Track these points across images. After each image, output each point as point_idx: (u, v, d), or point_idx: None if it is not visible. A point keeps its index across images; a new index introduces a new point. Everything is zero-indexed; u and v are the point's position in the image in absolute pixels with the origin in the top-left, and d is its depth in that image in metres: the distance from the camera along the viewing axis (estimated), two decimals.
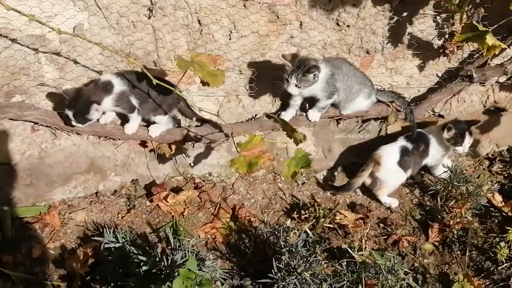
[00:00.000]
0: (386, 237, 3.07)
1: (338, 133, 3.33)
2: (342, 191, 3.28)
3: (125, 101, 2.69)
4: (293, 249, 2.50)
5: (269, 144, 3.20)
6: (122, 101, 2.68)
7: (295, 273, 2.35)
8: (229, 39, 2.77)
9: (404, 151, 3.14)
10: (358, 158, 3.36)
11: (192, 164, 3.19)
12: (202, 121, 3.00)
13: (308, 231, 2.61)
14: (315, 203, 3.13)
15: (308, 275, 2.34)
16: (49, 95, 2.73)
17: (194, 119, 3.00)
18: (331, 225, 3.03)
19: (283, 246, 2.51)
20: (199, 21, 2.67)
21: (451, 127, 3.08)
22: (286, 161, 2.52)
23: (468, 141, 3.11)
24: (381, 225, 3.16)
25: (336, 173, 3.42)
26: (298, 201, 3.23)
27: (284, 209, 3.20)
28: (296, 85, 2.71)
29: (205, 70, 2.33)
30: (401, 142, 3.17)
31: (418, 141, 3.17)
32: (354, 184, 3.18)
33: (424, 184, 3.41)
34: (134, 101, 2.72)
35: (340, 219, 3.04)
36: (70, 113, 2.58)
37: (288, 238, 2.53)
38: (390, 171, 3.14)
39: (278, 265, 2.43)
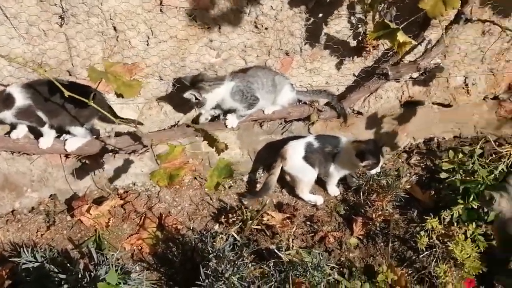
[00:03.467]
0: (313, 234, 3.13)
1: (262, 135, 3.35)
2: (260, 194, 3.28)
3: (30, 115, 2.54)
4: (221, 254, 2.48)
5: (195, 148, 3.17)
6: (25, 115, 2.54)
7: (223, 278, 2.34)
8: (147, 44, 2.71)
9: (309, 147, 3.17)
10: None
11: (114, 175, 3.10)
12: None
13: (235, 235, 2.60)
14: (242, 206, 3.14)
15: (236, 279, 2.34)
16: None
17: (113, 129, 2.91)
18: (259, 227, 3.04)
19: (210, 252, 2.49)
20: (114, 27, 2.59)
21: (368, 159, 3.04)
22: (208, 172, 2.49)
23: (381, 164, 3.16)
24: (308, 222, 3.21)
25: (258, 175, 3.44)
26: (225, 205, 3.21)
27: (212, 214, 3.18)
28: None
29: (120, 80, 2.25)
30: (309, 139, 3.21)
31: (327, 142, 3.21)
32: (269, 183, 3.21)
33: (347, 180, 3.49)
34: (42, 114, 2.58)
35: (268, 220, 3.06)
36: None
37: (215, 243, 2.51)
38: (296, 165, 3.18)
39: (206, 271, 2.40)
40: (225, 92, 2.85)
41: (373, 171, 3.14)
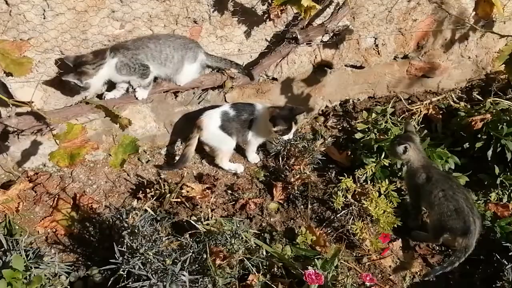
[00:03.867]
0: (234, 202, 3.14)
1: (177, 106, 3.29)
2: (177, 165, 3.25)
3: None
4: (136, 230, 2.44)
5: (108, 124, 3.07)
6: None
7: (138, 254, 2.31)
8: (44, 18, 2.56)
9: (225, 116, 3.16)
10: None
11: (22, 157, 2.96)
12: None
13: (149, 209, 2.56)
14: (160, 180, 3.09)
15: (152, 254, 2.31)
16: None
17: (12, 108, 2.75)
18: (179, 199, 3.02)
19: (124, 228, 2.44)
20: (6, 1, 2.42)
21: (279, 124, 3.08)
22: (112, 149, 2.42)
23: (294, 130, 3.19)
24: (229, 191, 3.21)
25: (176, 147, 3.39)
26: (143, 180, 3.16)
27: (130, 190, 3.12)
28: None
29: (8, 58, 2.12)
30: (225, 107, 3.20)
31: (242, 110, 3.20)
32: (187, 154, 3.18)
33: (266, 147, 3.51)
34: None
35: (188, 191, 3.03)
36: None
37: (129, 219, 2.46)
38: (213, 135, 3.17)
39: (120, 249, 2.36)
40: (109, 70, 2.75)
41: (285, 137, 3.17)
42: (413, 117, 3.61)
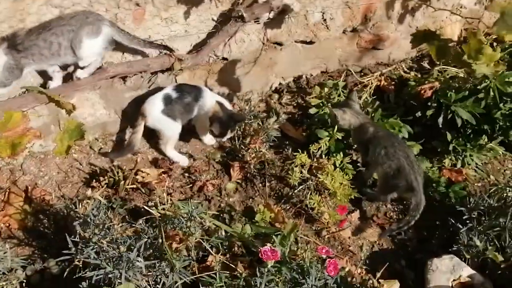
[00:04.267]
0: (191, 185, 3.12)
1: (127, 92, 3.22)
2: (123, 153, 3.18)
3: None
4: (89, 219, 2.40)
5: (57, 114, 3.00)
6: None
7: (91, 243, 2.27)
8: None
9: (167, 100, 3.10)
10: None
11: None
12: None
13: (100, 198, 2.52)
14: (114, 167, 3.05)
15: (106, 242, 2.27)
16: None
17: None
18: (134, 186, 2.98)
19: (76, 218, 2.40)
20: None
21: (215, 128, 3.09)
22: (57, 136, 2.35)
23: (229, 136, 3.20)
24: (186, 174, 3.19)
25: (128, 133, 3.32)
26: (96, 168, 3.11)
27: (84, 179, 3.06)
28: None
29: None
30: (167, 90, 3.14)
31: (187, 93, 3.14)
32: (133, 142, 3.11)
33: None
34: None
35: (143, 177, 3.00)
36: None
37: (79, 209, 2.42)
38: (157, 121, 3.11)
39: (74, 239, 2.32)
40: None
41: (218, 139, 3.18)
42: (364, 89, 3.64)
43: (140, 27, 2.98)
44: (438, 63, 3.59)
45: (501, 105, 3.25)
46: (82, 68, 2.85)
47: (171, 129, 3.15)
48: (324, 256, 2.35)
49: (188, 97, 3.14)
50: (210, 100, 3.16)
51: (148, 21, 2.98)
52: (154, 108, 3.09)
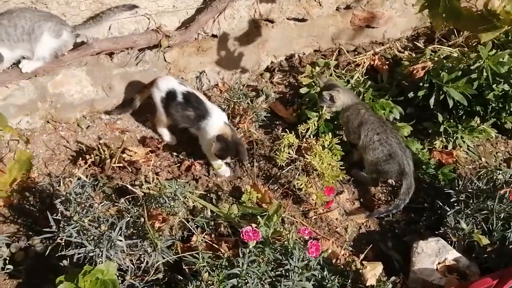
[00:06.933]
0: (179, 164, 3.10)
1: (115, 68, 3.17)
2: (126, 109, 3.26)
3: None
4: (71, 197, 2.38)
5: (43, 91, 2.97)
6: None
7: (73, 221, 2.26)
8: None
9: (171, 96, 3.00)
10: None
11: None
12: None
13: (82, 176, 2.49)
14: (100, 145, 3.02)
15: (87, 221, 2.26)
16: None
17: None
18: (121, 164, 2.96)
19: (58, 197, 2.38)
20: None
21: (219, 154, 2.93)
22: (8, 165, 2.35)
23: (227, 161, 3.08)
24: (174, 153, 3.16)
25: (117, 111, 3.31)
26: (83, 146, 3.08)
27: (70, 157, 3.04)
28: None
29: None
30: (184, 89, 3.02)
31: (192, 107, 2.98)
32: (136, 100, 3.17)
33: None
34: None
35: (130, 156, 2.97)
36: None
37: (61, 187, 2.39)
38: (156, 99, 3.04)
39: (55, 217, 2.31)
40: None
41: (218, 161, 3.03)
42: (357, 68, 3.58)
43: (126, 1, 2.90)
44: (441, 30, 3.51)
45: (494, 86, 3.19)
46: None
47: (162, 114, 3.10)
48: (307, 237, 2.33)
49: (191, 111, 3.00)
50: (218, 122, 3.00)
51: None
52: (158, 92, 3.02)
